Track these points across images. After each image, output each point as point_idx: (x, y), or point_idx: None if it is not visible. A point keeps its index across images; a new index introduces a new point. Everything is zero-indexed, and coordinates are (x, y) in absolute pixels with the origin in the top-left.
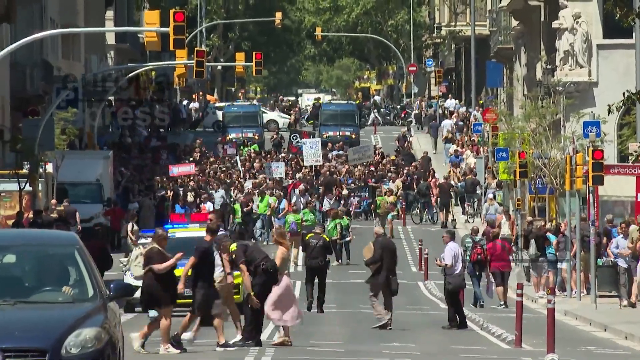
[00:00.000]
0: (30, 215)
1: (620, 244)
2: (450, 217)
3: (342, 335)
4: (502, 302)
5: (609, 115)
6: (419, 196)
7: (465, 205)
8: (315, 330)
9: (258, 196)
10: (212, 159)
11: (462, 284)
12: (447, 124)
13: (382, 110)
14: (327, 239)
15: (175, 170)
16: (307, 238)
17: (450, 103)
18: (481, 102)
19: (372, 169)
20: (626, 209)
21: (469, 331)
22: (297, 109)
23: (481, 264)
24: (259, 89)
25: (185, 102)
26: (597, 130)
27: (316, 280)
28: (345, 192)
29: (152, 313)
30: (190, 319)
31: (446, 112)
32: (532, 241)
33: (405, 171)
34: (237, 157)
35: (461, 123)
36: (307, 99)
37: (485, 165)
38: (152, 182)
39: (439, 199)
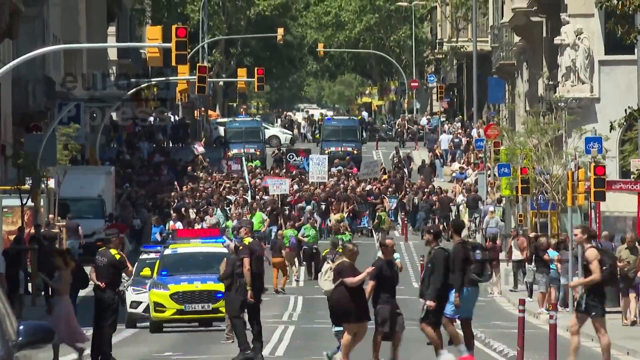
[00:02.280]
0: (32, 231)
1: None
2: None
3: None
4: None
5: (610, 132)
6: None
7: (467, 220)
8: (315, 346)
9: (249, 213)
10: (219, 175)
11: None
12: (444, 138)
13: (375, 125)
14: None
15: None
16: (323, 254)
17: (423, 120)
18: (482, 120)
19: (376, 185)
20: (628, 225)
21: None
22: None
23: None
24: (260, 105)
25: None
26: (599, 146)
27: None
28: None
29: (337, 329)
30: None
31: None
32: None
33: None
34: (246, 173)
35: (457, 140)
36: (311, 114)
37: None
38: (156, 198)
39: (440, 213)
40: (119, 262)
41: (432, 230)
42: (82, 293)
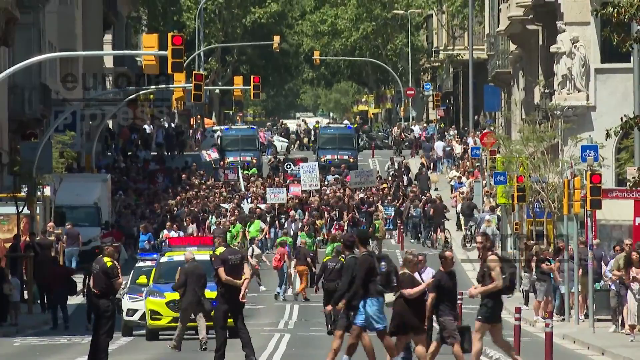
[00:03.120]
0: (28, 239)
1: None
2: (444, 237)
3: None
4: None
5: (606, 139)
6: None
7: (463, 228)
8: (311, 354)
9: (231, 223)
10: (215, 184)
11: None
12: (439, 145)
13: (371, 133)
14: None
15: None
16: (324, 260)
17: (416, 129)
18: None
19: (373, 193)
20: (624, 233)
21: (467, 355)
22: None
23: None
24: (256, 112)
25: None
26: (595, 154)
27: None
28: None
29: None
30: (437, 347)
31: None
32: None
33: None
34: (241, 181)
35: (448, 148)
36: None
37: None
38: (152, 206)
39: (434, 220)
40: (110, 269)
41: (344, 240)
42: (76, 301)
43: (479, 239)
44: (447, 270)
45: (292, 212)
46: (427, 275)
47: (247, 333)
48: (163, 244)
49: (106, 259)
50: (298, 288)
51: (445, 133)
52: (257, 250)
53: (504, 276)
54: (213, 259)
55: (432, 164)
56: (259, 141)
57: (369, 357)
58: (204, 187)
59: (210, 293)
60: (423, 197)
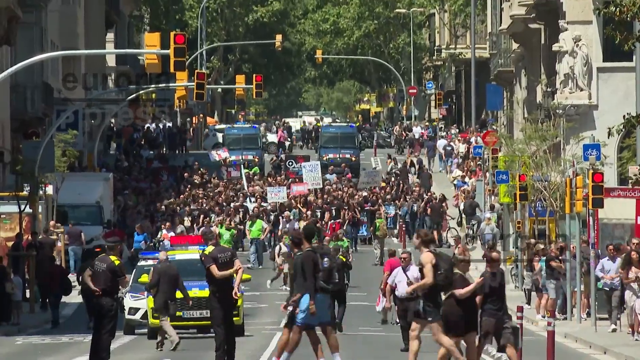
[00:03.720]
0: (30, 238)
1: (605, 266)
2: (444, 235)
3: (343, 358)
4: None
5: (609, 138)
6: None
7: (465, 227)
8: (312, 352)
9: (248, 221)
10: (220, 182)
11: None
12: (441, 143)
13: (373, 132)
14: (344, 260)
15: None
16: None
17: (416, 130)
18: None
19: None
20: (626, 232)
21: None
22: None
23: None
24: (259, 111)
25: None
26: (597, 153)
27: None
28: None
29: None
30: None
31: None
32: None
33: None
34: (244, 180)
35: (449, 147)
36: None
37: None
38: (155, 205)
39: (431, 219)
40: (118, 267)
41: (292, 238)
42: (78, 300)
43: (415, 234)
44: (493, 270)
45: (286, 213)
46: (412, 273)
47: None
48: (160, 243)
49: (113, 257)
50: None
51: (441, 132)
52: (285, 249)
53: (439, 272)
54: (203, 258)
55: (432, 163)
56: (261, 140)
57: (282, 349)
58: (210, 186)
59: (202, 292)
60: (425, 195)
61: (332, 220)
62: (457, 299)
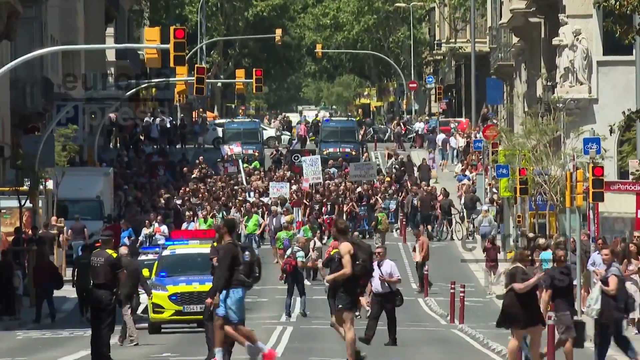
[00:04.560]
0: (30, 232)
1: (596, 260)
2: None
3: (341, 352)
4: None
5: (610, 134)
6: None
7: (466, 221)
8: (313, 347)
9: (243, 216)
10: (217, 178)
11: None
12: (440, 138)
13: (374, 126)
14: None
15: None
16: (332, 253)
17: (419, 126)
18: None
19: (375, 186)
20: (627, 226)
21: (469, 348)
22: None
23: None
24: (259, 105)
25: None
26: (597, 147)
27: None
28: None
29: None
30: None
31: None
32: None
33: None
34: (243, 175)
35: (446, 139)
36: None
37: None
38: (154, 200)
39: (421, 212)
40: (117, 261)
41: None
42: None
43: (336, 222)
44: (561, 266)
45: (274, 208)
46: (386, 268)
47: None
48: (152, 238)
49: (110, 251)
50: None
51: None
52: (319, 243)
53: (357, 262)
54: (210, 249)
55: (434, 157)
56: (262, 134)
57: (217, 344)
58: (209, 181)
59: (203, 286)
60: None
61: (327, 215)
62: (516, 293)
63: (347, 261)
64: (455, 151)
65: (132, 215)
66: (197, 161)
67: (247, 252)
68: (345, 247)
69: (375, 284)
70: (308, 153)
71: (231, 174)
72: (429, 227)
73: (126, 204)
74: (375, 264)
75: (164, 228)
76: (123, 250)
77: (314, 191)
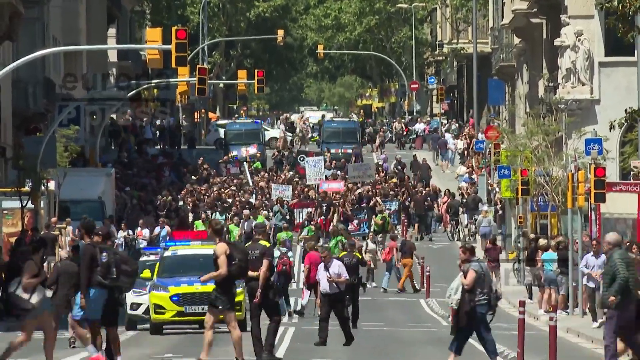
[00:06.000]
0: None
1: (589, 262)
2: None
3: (344, 353)
4: None
5: (610, 131)
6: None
7: (467, 222)
8: (315, 348)
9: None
10: (222, 179)
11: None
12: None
13: (375, 127)
14: (360, 257)
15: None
16: (340, 256)
17: (419, 127)
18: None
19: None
20: (629, 227)
21: (470, 348)
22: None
23: (286, 275)
24: (261, 106)
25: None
26: (599, 147)
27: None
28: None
29: None
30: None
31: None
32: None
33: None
34: (248, 174)
35: (443, 140)
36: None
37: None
38: (156, 201)
39: (415, 211)
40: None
41: (99, 232)
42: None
43: (211, 222)
44: None
45: (245, 212)
46: (334, 268)
47: None
48: (161, 238)
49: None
50: (400, 280)
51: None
52: (372, 245)
53: (233, 262)
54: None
55: (437, 156)
56: (264, 135)
57: (83, 342)
58: (213, 182)
59: (205, 287)
60: (423, 189)
61: (322, 217)
62: None
63: (222, 261)
64: (454, 153)
65: (134, 217)
66: (199, 161)
67: (104, 253)
68: (221, 247)
69: (324, 285)
70: (313, 154)
71: (233, 175)
72: (423, 227)
73: (132, 207)
74: (321, 265)
75: (164, 231)
76: (64, 253)
77: (314, 192)
